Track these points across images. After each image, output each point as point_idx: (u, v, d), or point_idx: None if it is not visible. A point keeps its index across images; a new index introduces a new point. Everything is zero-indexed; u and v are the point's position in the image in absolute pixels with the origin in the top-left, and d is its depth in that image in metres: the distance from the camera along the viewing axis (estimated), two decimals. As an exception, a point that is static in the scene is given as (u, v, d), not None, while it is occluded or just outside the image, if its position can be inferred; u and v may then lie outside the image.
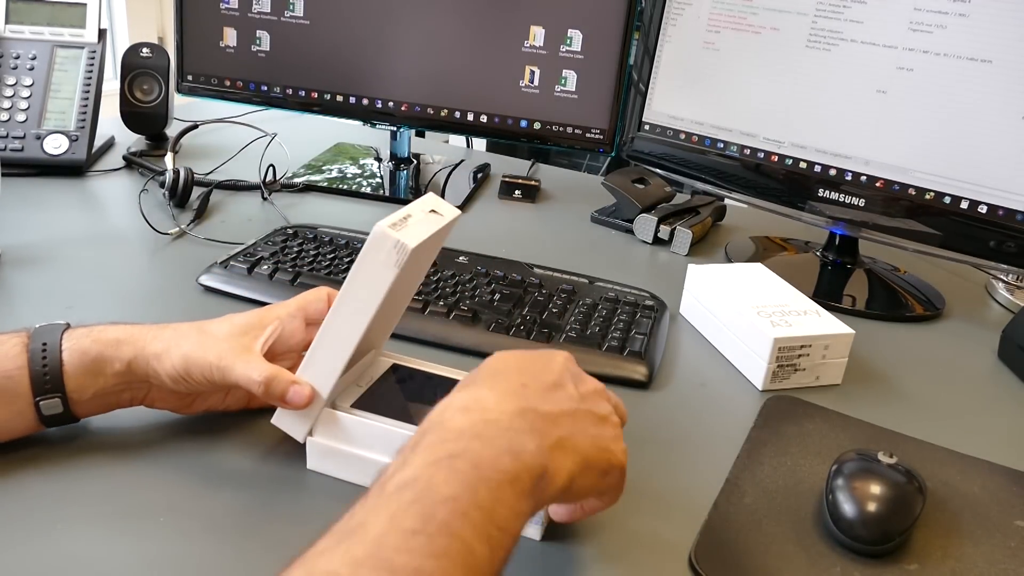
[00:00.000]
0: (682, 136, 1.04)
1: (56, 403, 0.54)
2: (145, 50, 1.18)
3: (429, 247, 0.54)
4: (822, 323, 0.74)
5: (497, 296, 0.80)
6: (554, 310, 0.78)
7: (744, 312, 0.75)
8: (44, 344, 0.54)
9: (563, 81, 1.09)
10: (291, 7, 1.12)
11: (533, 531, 0.52)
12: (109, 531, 0.50)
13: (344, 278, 0.52)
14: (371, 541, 0.36)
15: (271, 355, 0.57)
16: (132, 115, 1.18)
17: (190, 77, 1.17)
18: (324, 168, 1.20)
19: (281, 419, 0.56)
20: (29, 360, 0.53)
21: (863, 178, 0.91)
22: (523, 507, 0.41)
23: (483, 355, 0.71)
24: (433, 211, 0.54)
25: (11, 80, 1.08)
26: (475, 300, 0.79)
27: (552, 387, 0.47)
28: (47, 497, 0.52)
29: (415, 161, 1.25)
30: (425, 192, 0.64)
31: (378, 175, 1.20)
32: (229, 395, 0.60)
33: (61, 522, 0.50)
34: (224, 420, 0.60)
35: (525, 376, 0.47)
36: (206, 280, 0.81)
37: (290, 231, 0.91)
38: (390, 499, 0.39)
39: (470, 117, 1.12)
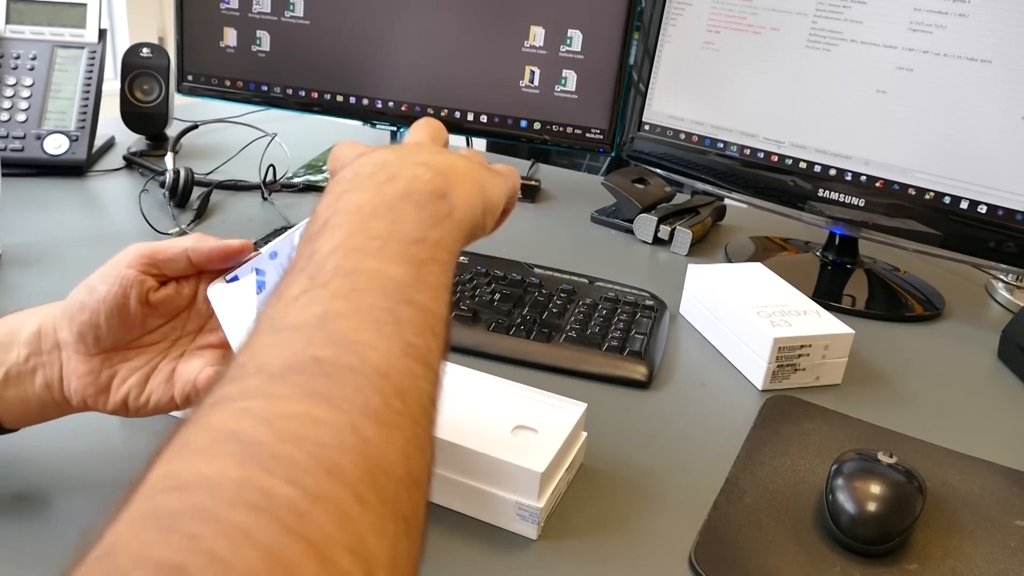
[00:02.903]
0: (682, 136, 1.04)
1: None
2: (145, 50, 1.18)
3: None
4: (822, 323, 0.74)
5: (497, 296, 0.80)
6: (554, 310, 0.78)
7: (744, 312, 0.75)
8: None
9: (563, 81, 1.09)
10: (291, 7, 1.12)
11: (530, 530, 0.52)
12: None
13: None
14: (261, 319, 0.31)
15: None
16: (132, 115, 1.18)
17: (190, 77, 1.17)
18: (324, 168, 1.20)
19: None
20: None
21: (863, 178, 0.91)
22: (435, 211, 0.37)
23: (483, 355, 0.73)
24: None
25: (11, 80, 1.08)
26: (475, 300, 0.79)
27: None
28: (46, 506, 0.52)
29: (415, 161, 1.25)
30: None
31: (378, 175, 1.20)
32: (174, 373, 0.51)
33: (61, 522, 0.50)
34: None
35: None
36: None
37: (290, 231, 0.91)
38: (272, 296, 0.33)
39: (470, 117, 1.12)
